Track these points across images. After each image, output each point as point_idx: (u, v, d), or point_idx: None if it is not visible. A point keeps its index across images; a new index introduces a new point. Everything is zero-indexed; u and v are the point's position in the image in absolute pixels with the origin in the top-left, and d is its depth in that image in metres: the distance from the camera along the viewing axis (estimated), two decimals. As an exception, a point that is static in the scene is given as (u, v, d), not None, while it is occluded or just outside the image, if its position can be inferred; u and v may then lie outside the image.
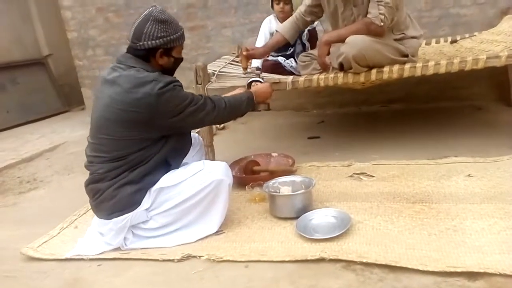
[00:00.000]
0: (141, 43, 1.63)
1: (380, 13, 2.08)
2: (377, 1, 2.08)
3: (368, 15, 2.13)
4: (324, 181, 2.14)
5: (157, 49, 1.65)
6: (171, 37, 1.65)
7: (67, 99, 5.15)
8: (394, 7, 2.09)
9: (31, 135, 4.05)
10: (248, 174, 2.29)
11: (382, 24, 2.09)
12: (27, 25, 5.02)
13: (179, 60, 1.77)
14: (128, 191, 1.62)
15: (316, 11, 2.45)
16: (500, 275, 1.25)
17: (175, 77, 1.70)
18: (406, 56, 2.24)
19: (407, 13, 2.30)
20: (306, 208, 1.78)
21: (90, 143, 1.71)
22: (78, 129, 3.90)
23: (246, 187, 2.11)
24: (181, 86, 1.67)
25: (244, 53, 2.37)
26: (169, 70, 1.75)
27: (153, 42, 1.63)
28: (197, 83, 2.40)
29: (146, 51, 1.65)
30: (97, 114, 1.66)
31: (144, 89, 1.57)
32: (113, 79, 1.62)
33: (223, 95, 1.92)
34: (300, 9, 2.48)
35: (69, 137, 3.74)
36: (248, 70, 2.43)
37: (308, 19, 2.48)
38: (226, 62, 2.96)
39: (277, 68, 2.74)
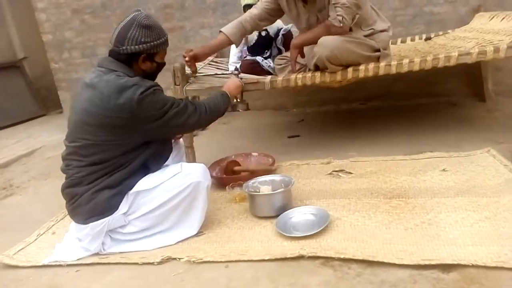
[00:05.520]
0: (124, 48, 1.61)
1: (337, 15, 2.12)
2: (334, 4, 2.12)
3: (329, 18, 2.16)
4: (304, 179, 2.16)
5: (140, 54, 1.64)
6: (155, 42, 1.65)
7: (44, 102, 5.04)
8: (353, 6, 2.12)
9: (7, 140, 3.95)
10: (228, 175, 2.29)
11: (341, 25, 2.13)
12: (1, 28, 4.89)
13: (161, 65, 1.76)
14: (106, 195, 1.60)
15: (272, 15, 2.37)
16: (473, 266, 1.29)
17: (155, 82, 1.68)
18: (378, 50, 2.28)
19: (371, 7, 2.32)
20: (285, 207, 1.79)
21: (68, 147, 1.68)
22: (55, 133, 3.82)
23: (227, 187, 2.11)
24: (161, 90, 1.66)
25: (187, 58, 2.28)
26: (151, 75, 1.74)
27: (136, 47, 1.61)
28: (175, 84, 2.38)
29: (128, 56, 1.63)
30: (76, 118, 1.64)
31: (126, 94, 1.55)
32: (93, 83, 1.60)
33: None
34: (253, 12, 2.34)
35: (46, 142, 3.66)
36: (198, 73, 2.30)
37: (262, 23, 2.38)
38: (204, 63, 2.96)
39: (256, 68, 2.75)
